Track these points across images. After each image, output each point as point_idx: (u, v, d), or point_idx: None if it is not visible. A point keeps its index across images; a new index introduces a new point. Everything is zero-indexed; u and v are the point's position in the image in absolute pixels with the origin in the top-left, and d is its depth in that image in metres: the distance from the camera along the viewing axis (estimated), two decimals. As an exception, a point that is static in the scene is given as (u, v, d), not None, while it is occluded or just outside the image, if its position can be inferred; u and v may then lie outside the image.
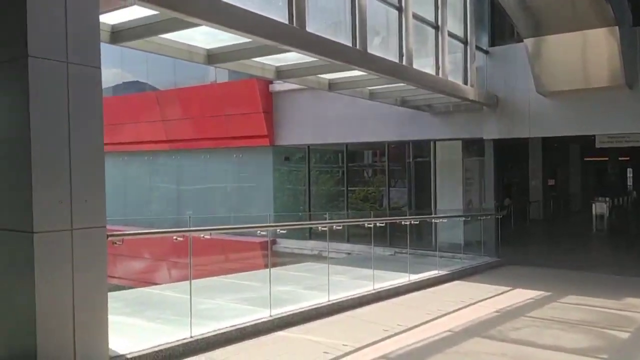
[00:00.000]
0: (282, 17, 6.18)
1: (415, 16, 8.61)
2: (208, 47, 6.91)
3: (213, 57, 7.04)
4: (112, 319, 4.08)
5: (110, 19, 5.68)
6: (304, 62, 7.68)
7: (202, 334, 4.79)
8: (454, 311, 6.51)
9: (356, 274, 8.37)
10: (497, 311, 6.56)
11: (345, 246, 12.83)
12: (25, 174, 3.54)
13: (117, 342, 4.25)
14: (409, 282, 7.78)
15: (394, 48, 8.37)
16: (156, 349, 4.42)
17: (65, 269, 3.68)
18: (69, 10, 3.72)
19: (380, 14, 8.26)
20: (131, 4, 4.64)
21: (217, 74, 15.24)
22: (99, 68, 3.96)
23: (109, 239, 4.09)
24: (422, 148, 13.38)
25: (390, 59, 8.06)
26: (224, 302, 6.55)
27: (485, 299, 7.25)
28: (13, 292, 3.76)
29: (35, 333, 3.53)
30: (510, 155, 13.15)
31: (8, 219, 3.74)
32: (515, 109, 11.01)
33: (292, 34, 6.25)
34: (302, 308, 5.97)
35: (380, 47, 8.31)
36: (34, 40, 3.55)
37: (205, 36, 6.39)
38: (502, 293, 7.62)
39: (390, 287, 7.38)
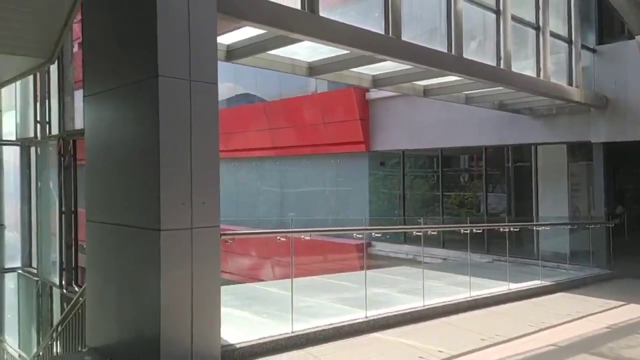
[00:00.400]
0: (378, 27, 6.24)
1: (514, 18, 8.23)
2: (309, 60, 7.15)
3: (314, 69, 7.27)
4: (223, 311, 4.30)
5: (225, 39, 6.12)
6: (400, 70, 7.66)
7: (302, 330, 4.95)
8: (558, 324, 6.02)
9: (452, 280, 8.12)
10: (607, 327, 5.98)
11: (441, 251, 12.48)
12: (154, 178, 3.89)
13: (227, 332, 4.53)
14: (508, 291, 7.38)
15: (490, 51, 8.06)
16: (261, 340, 4.64)
17: (186, 264, 3.98)
18: (192, 35, 4.06)
19: (476, 18, 8.01)
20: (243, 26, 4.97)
21: (318, 85, 15.65)
22: (216, 84, 4.26)
23: (222, 237, 4.39)
24: (523, 152, 12.65)
25: (487, 62, 7.78)
26: (322, 300, 6.69)
27: (594, 313, 6.64)
28: (142, 282, 4.12)
29: (160, 319, 3.82)
30: (622, 159, 12.01)
31: (140, 218, 4.12)
32: (628, 110, 10.03)
33: (388, 44, 6.29)
34: (397, 311, 5.93)
35: (477, 51, 8.04)
36: (163, 62, 3.91)
37: (307, 50, 6.62)
38: (613, 308, 6.95)
39: (488, 295, 7.05)
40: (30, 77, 9.70)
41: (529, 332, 5.66)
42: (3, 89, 10.48)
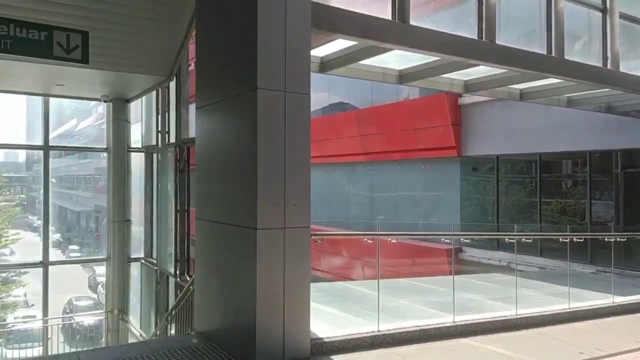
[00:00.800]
0: (471, 33, 6.05)
1: (622, 15, 7.51)
2: (400, 68, 7.10)
3: (404, 76, 7.21)
4: (313, 306, 4.42)
5: (319, 52, 6.29)
6: (494, 74, 7.33)
7: (388, 330, 4.93)
8: (669, 342, 5.39)
9: (549, 289, 7.58)
10: None
11: (537, 260, 11.68)
12: (252, 182, 4.12)
13: (316, 326, 4.64)
14: (613, 304, 6.72)
15: (596, 52, 7.43)
16: (348, 337, 4.70)
17: (279, 261, 4.16)
18: (287, 50, 4.26)
19: (579, 17, 7.43)
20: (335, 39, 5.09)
21: (410, 91, 15.45)
22: (308, 94, 4.41)
23: (312, 237, 4.52)
24: (634, 158, 11.44)
25: (591, 64, 7.19)
26: (409, 302, 6.60)
27: None
28: (240, 275, 4.36)
29: (255, 310, 4.04)
30: None
31: (239, 217, 4.39)
32: None
33: (481, 48, 6.07)
34: (487, 318, 5.66)
35: (580, 52, 7.46)
36: (261, 75, 4.14)
37: (397, 58, 6.59)
38: None
39: (590, 307, 6.48)
40: (153, 93, 10.66)
41: (634, 349, 5.13)
42: (132, 104, 11.66)
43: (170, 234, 9.84)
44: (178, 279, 9.26)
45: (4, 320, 17.80)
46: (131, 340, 10.64)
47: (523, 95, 8.67)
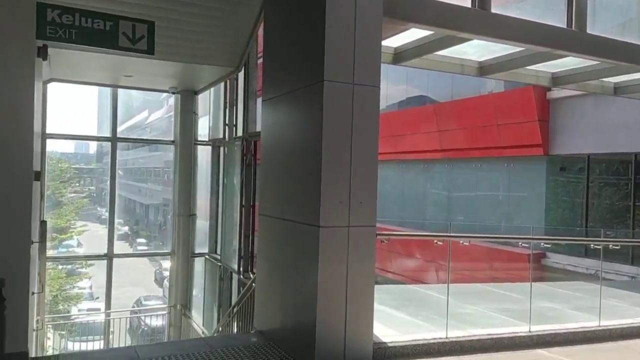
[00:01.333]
0: (558, 21, 5.86)
1: None
2: (480, 59, 6.99)
3: (485, 68, 7.09)
4: (378, 309, 4.52)
5: (393, 42, 6.34)
6: (584, 67, 7.02)
7: (457, 337, 4.93)
8: None
9: (637, 300, 7.20)
10: None
11: (628, 268, 11.04)
12: (316, 178, 4.27)
13: (381, 330, 4.73)
14: None
15: None
16: (414, 342, 4.74)
17: (342, 260, 4.28)
18: (357, 40, 4.36)
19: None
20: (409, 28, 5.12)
21: (494, 85, 15.00)
22: (378, 87, 4.48)
23: (378, 237, 4.60)
24: None
25: None
26: (481, 309, 6.51)
27: None
28: (302, 274, 4.52)
29: (316, 310, 4.18)
30: None
31: (301, 214, 4.55)
32: None
33: (570, 38, 5.86)
34: (566, 328, 5.50)
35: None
36: (329, 67, 4.27)
37: (476, 49, 6.50)
38: None
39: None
40: (221, 85, 11.13)
41: None
42: (199, 96, 12.25)
43: (235, 230, 10.16)
44: (241, 276, 9.60)
45: (68, 312, 18.88)
46: (192, 336, 11.06)
47: (618, 90, 8.20)
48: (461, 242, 5.27)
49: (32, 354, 4.43)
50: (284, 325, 4.82)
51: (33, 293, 5.27)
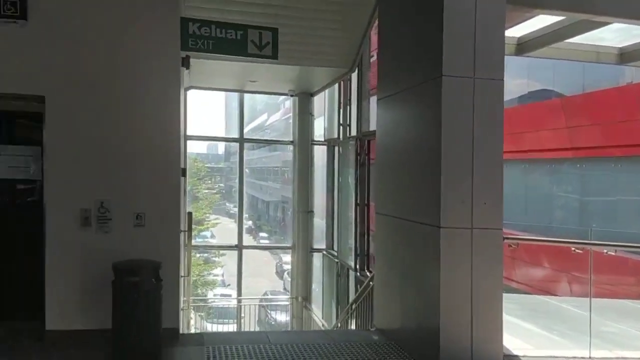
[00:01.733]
0: None
1: None
2: (620, 45, 6.24)
3: (626, 55, 6.33)
4: (506, 318, 4.20)
5: (515, 32, 5.91)
6: None
7: (603, 357, 4.41)
8: None
9: None
10: None
11: None
12: (435, 176, 4.08)
13: (510, 341, 4.37)
14: None
15: None
16: (550, 358, 4.35)
17: (465, 263, 4.04)
18: (477, 32, 4.09)
19: None
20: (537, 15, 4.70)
21: (635, 74, 13.34)
22: (502, 80, 4.18)
23: (505, 241, 4.25)
24: None
25: None
26: (626, 327, 5.76)
27: None
28: (422, 275, 4.37)
29: (439, 314, 3.99)
30: None
31: (420, 213, 4.39)
32: None
33: None
34: None
35: None
36: (447, 61, 4.06)
37: (616, 34, 5.82)
38: None
39: None
40: (336, 86, 11.28)
41: None
42: (315, 97, 12.55)
43: (350, 227, 10.29)
44: (358, 274, 9.64)
45: (205, 296, 20.78)
46: (313, 328, 11.52)
47: None
48: (605, 251, 4.67)
49: (181, 331, 4.93)
50: (404, 326, 4.71)
51: (182, 276, 5.81)
